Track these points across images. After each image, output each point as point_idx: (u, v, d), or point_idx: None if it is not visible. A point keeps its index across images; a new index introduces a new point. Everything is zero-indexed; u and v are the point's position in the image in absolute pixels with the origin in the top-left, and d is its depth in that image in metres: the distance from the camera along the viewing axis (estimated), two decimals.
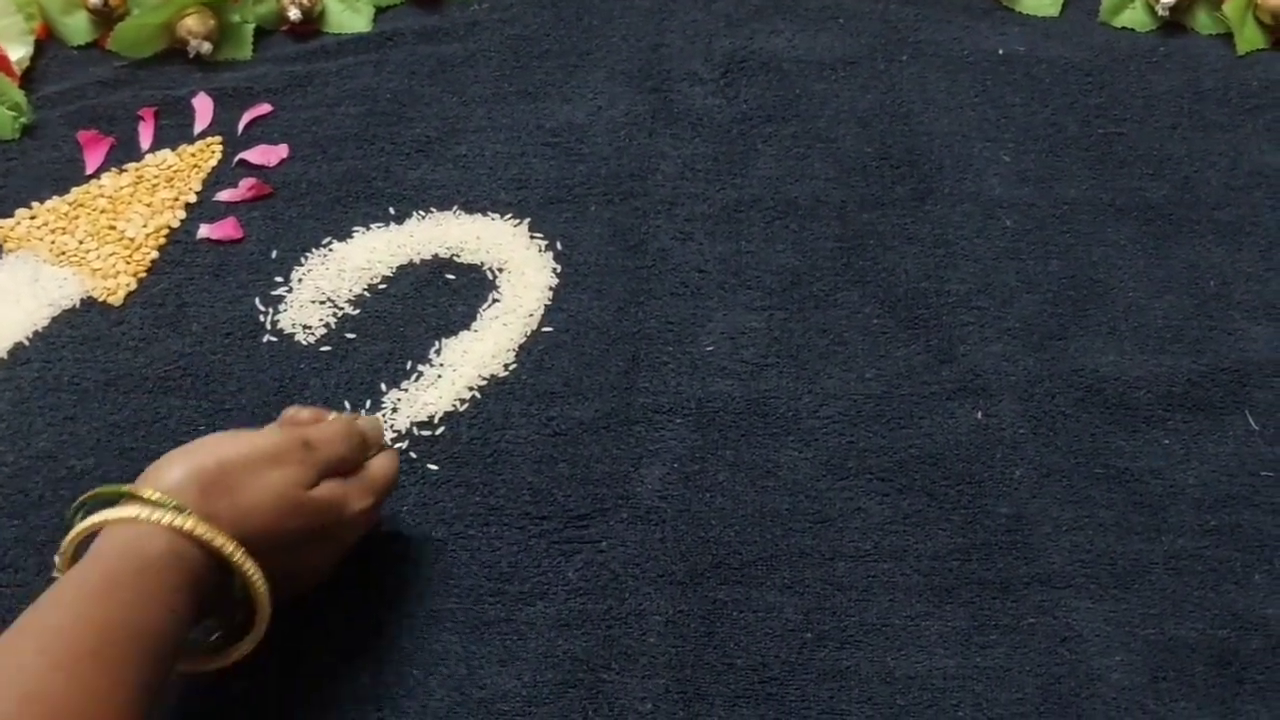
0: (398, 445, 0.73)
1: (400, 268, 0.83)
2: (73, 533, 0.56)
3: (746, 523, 0.69)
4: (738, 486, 0.71)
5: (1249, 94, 0.90)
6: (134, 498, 0.56)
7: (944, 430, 0.73)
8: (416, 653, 0.65)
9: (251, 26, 0.99)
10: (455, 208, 0.86)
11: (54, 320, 0.81)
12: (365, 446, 0.65)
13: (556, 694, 0.63)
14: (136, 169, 0.91)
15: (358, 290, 0.81)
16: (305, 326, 0.79)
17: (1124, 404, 0.73)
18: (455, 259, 0.83)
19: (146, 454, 0.72)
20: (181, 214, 0.87)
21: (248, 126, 0.93)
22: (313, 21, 0.99)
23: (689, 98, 0.92)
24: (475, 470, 0.72)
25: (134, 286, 0.83)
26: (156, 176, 0.90)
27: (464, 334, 0.79)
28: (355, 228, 0.85)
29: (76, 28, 1.00)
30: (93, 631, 0.51)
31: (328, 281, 0.82)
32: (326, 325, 0.79)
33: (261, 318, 0.80)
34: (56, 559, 0.57)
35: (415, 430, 0.74)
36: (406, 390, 0.76)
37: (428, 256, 0.83)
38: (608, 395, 0.75)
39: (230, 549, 0.55)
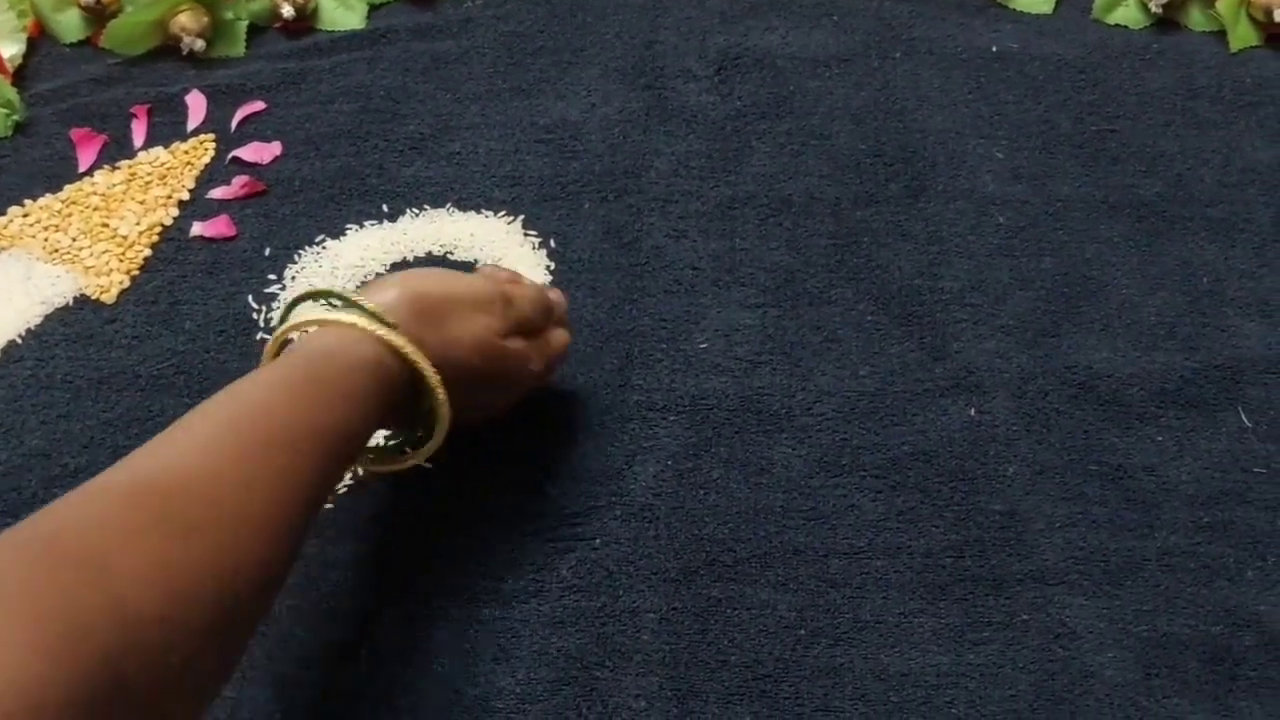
0: (393, 443, 0.73)
1: (394, 265, 0.82)
2: (289, 322, 0.62)
3: (740, 520, 0.70)
4: (731, 483, 0.71)
5: (1242, 91, 0.91)
6: (354, 305, 0.60)
7: (937, 427, 0.73)
8: (411, 650, 0.65)
9: (245, 23, 0.99)
10: (449, 205, 0.86)
11: (47, 318, 0.81)
12: (550, 315, 0.70)
13: (550, 691, 0.63)
14: (129, 166, 0.90)
15: (351, 288, 0.81)
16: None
17: (1117, 401, 0.73)
18: (449, 256, 0.83)
19: None
20: (174, 211, 0.87)
21: (241, 124, 0.93)
22: (306, 18, 0.99)
23: (683, 95, 0.92)
24: (469, 468, 0.72)
25: (127, 284, 0.83)
26: (149, 174, 0.90)
27: None
28: (349, 225, 0.85)
29: (69, 25, 1.00)
30: (277, 421, 0.54)
31: (321, 279, 0.82)
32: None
33: (255, 315, 0.80)
34: (265, 348, 0.63)
35: None
36: None
37: (421, 254, 0.83)
38: (601, 393, 0.75)
39: (430, 373, 0.60)
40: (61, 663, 0.40)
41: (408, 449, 0.66)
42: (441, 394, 0.61)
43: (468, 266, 0.82)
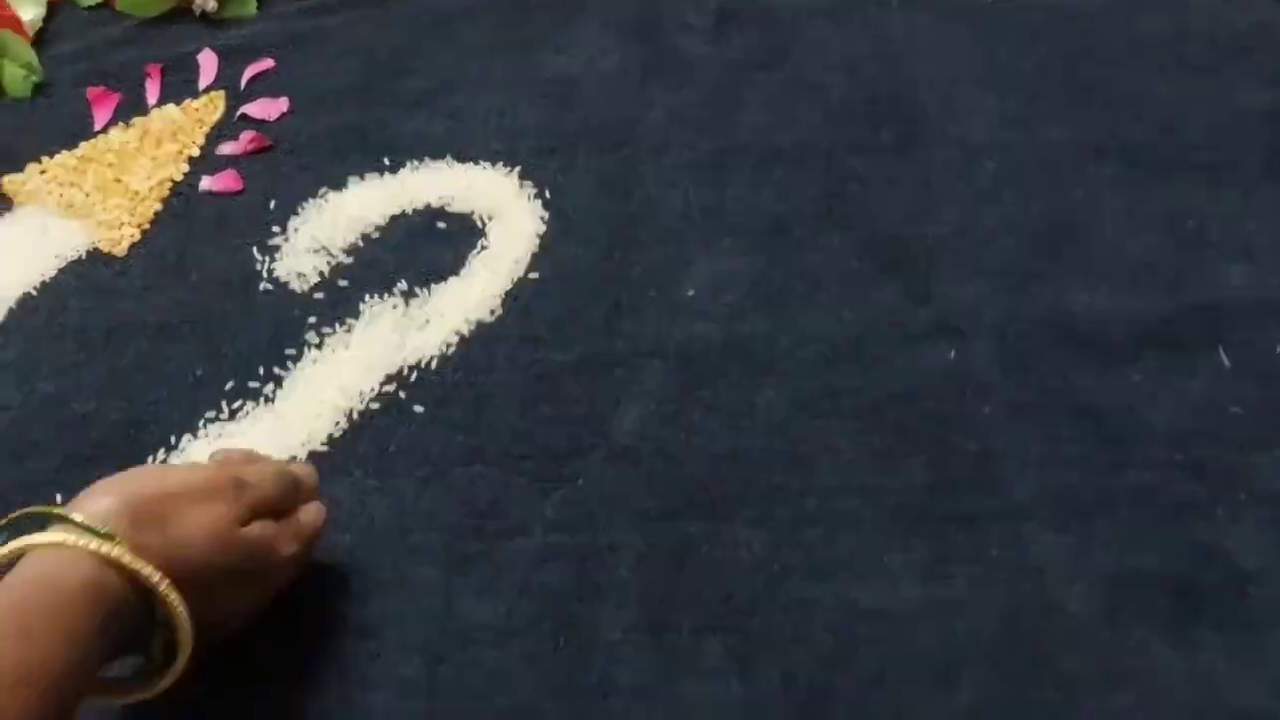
0: (388, 389, 0.75)
1: (393, 217, 0.85)
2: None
3: (720, 461, 0.71)
4: (713, 426, 0.73)
5: (1237, 35, 0.90)
6: (63, 521, 0.54)
7: (917, 370, 0.74)
8: (398, 586, 0.67)
9: None
10: (448, 157, 0.88)
11: (61, 271, 0.84)
12: (297, 491, 0.64)
13: (531, 624, 0.65)
14: (142, 124, 0.93)
15: (351, 239, 0.83)
16: (300, 274, 0.82)
17: (1097, 343, 0.74)
18: (446, 208, 0.85)
19: (147, 398, 0.76)
20: (185, 167, 0.90)
21: (250, 82, 0.95)
22: None
23: (680, 47, 0.94)
24: (459, 411, 0.74)
25: (137, 238, 0.86)
26: (161, 130, 0.93)
27: (453, 280, 0.81)
28: (351, 178, 0.87)
29: None
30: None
31: (323, 231, 0.84)
32: (320, 274, 0.82)
33: (258, 267, 0.83)
34: None
35: (403, 372, 0.76)
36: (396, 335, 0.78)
37: (420, 206, 0.85)
38: (590, 339, 0.77)
39: (157, 579, 0.54)
40: None
41: (148, 677, 0.58)
42: (174, 599, 0.54)
43: (464, 218, 0.84)
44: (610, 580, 0.67)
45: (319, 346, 0.78)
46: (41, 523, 0.55)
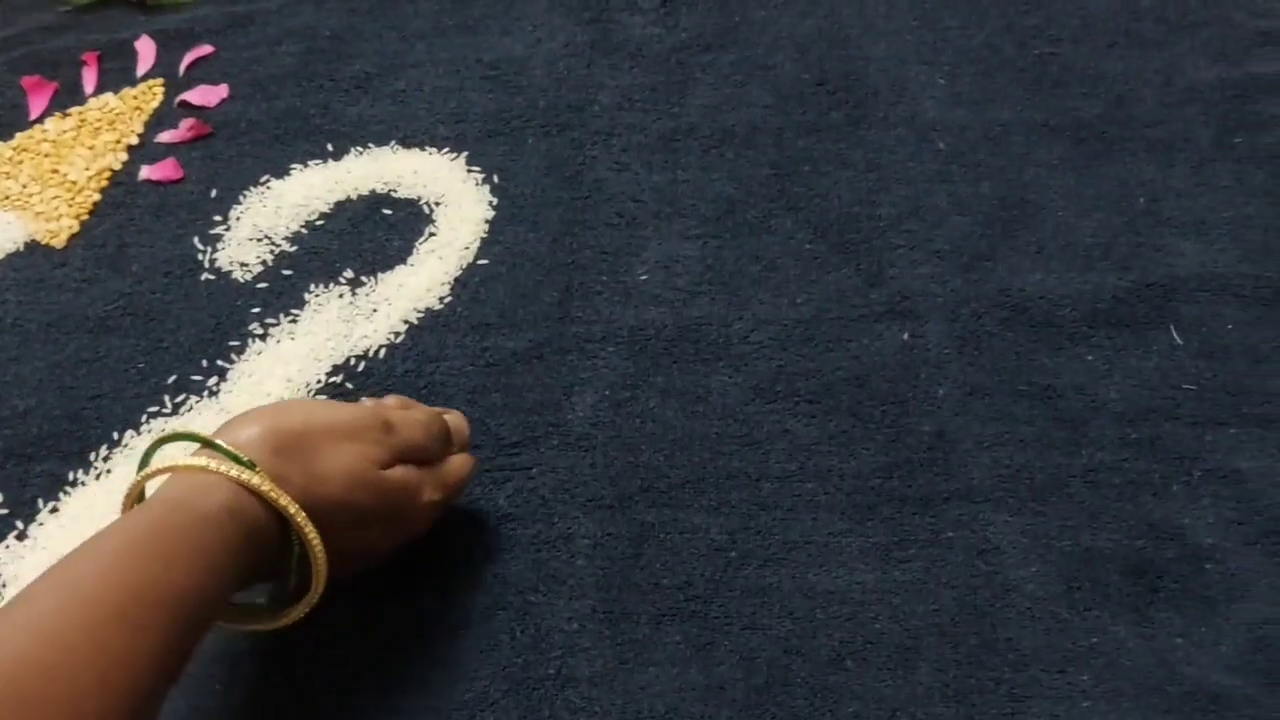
0: (335, 379, 0.74)
1: (337, 204, 0.83)
2: (138, 476, 0.55)
3: (675, 447, 0.70)
4: (668, 412, 0.72)
5: (1187, 10, 0.90)
6: (207, 446, 0.55)
7: (871, 352, 0.74)
8: (351, 582, 0.66)
9: None
10: (393, 143, 0.86)
11: None
12: (446, 442, 0.64)
13: (485, 617, 0.64)
14: (79, 113, 0.91)
15: (295, 227, 0.82)
16: (242, 264, 0.80)
17: (1049, 322, 0.74)
18: (392, 194, 0.84)
19: (87, 392, 0.74)
20: (123, 156, 0.88)
21: (189, 68, 0.93)
22: None
23: (628, 28, 0.93)
24: None
25: (76, 229, 0.84)
26: (99, 119, 0.91)
27: (400, 268, 0.79)
28: (293, 165, 0.86)
29: None
30: (123, 591, 0.49)
31: (265, 219, 0.82)
32: (264, 262, 0.80)
33: (200, 256, 0.81)
34: (122, 500, 0.56)
35: (350, 362, 0.75)
36: (343, 324, 0.77)
37: (365, 192, 0.84)
38: (541, 325, 0.76)
39: (293, 510, 0.54)
40: None
41: (280, 606, 0.58)
42: (310, 532, 0.55)
43: (411, 203, 0.83)
44: (566, 570, 0.66)
45: (263, 337, 0.76)
46: (183, 442, 0.56)
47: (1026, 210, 0.79)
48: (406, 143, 0.86)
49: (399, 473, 0.60)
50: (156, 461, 0.55)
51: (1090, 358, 0.72)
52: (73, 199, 0.85)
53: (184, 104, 0.91)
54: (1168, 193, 0.80)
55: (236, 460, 0.54)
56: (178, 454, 0.56)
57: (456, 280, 0.79)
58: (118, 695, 0.46)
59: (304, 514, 0.54)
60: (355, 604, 0.65)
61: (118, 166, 0.87)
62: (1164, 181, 0.80)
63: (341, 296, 0.78)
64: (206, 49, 0.94)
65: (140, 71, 0.94)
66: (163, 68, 0.94)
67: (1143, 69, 0.87)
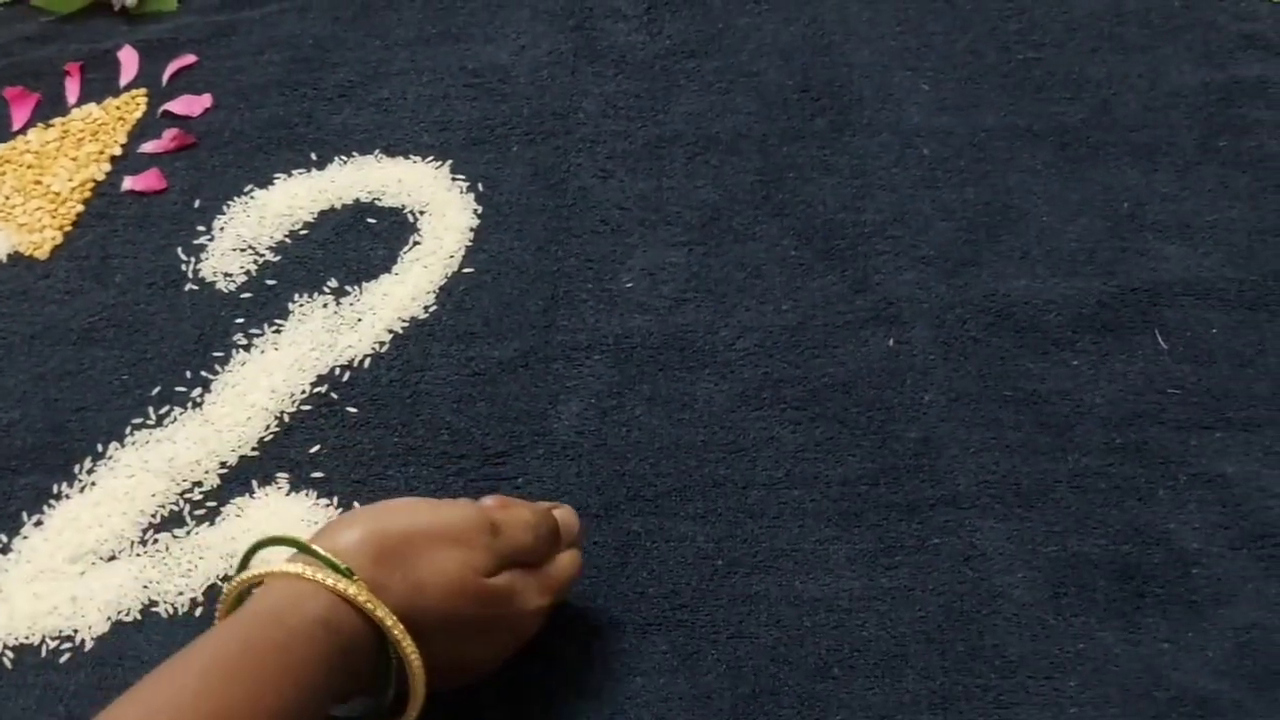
0: (319, 390, 0.74)
1: (321, 213, 0.83)
2: (234, 581, 0.54)
3: (661, 455, 0.70)
4: (654, 420, 0.72)
5: (1170, 14, 0.91)
6: (305, 552, 0.53)
7: (857, 358, 0.74)
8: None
9: None
10: (377, 151, 0.86)
11: None
12: (554, 541, 0.60)
13: None
14: (62, 124, 0.91)
15: (279, 237, 0.82)
16: (226, 274, 0.80)
17: (1034, 327, 0.74)
18: (376, 203, 0.83)
19: (71, 404, 0.74)
20: (107, 167, 0.88)
21: (172, 78, 0.93)
22: None
23: (612, 35, 0.93)
24: (394, 411, 0.73)
25: (60, 240, 0.84)
26: (82, 130, 0.90)
27: (384, 277, 0.79)
28: (277, 174, 0.85)
29: None
30: (222, 711, 0.47)
31: (249, 229, 0.82)
32: (247, 273, 0.80)
33: (184, 267, 0.81)
34: (218, 606, 0.55)
35: (335, 372, 0.75)
36: (327, 335, 0.76)
37: (349, 201, 0.84)
38: (526, 334, 0.76)
39: (390, 623, 0.52)
40: None
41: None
42: (407, 646, 0.52)
43: (395, 212, 0.83)
44: None
45: (247, 348, 0.76)
46: (280, 546, 0.54)
47: (1011, 216, 0.79)
48: (390, 151, 0.86)
49: (504, 579, 0.56)
50: (255, 566, 0.54)
51: (1075, 363, 0.72)
52: (56, 210, 0.85)
53: (167, 114, 0.90)
54: (1152, 197, 0.80)
55: (334, 568, 0.52)
56: (274, 558, 0.55)
57: (441, 289, 0.78)
58: None
59: (401, 626, 0.52)
60: None
61: (101, 177, 0.87)
62: (1148, 186, 0.81)
63: (326, 306, 0.78)
64: (189, 58, 0.94)
65: (123, 81, 0.93)
66: (146, 78, 0.93)
67: (1126, 73, 0.87)
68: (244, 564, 0.56)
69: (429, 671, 0.54)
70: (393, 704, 0.55)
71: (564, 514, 0.62)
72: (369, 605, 0.51)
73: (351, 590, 0.51)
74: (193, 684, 0.48)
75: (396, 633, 0.52)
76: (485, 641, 0.57)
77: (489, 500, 0.60)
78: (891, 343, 0.74)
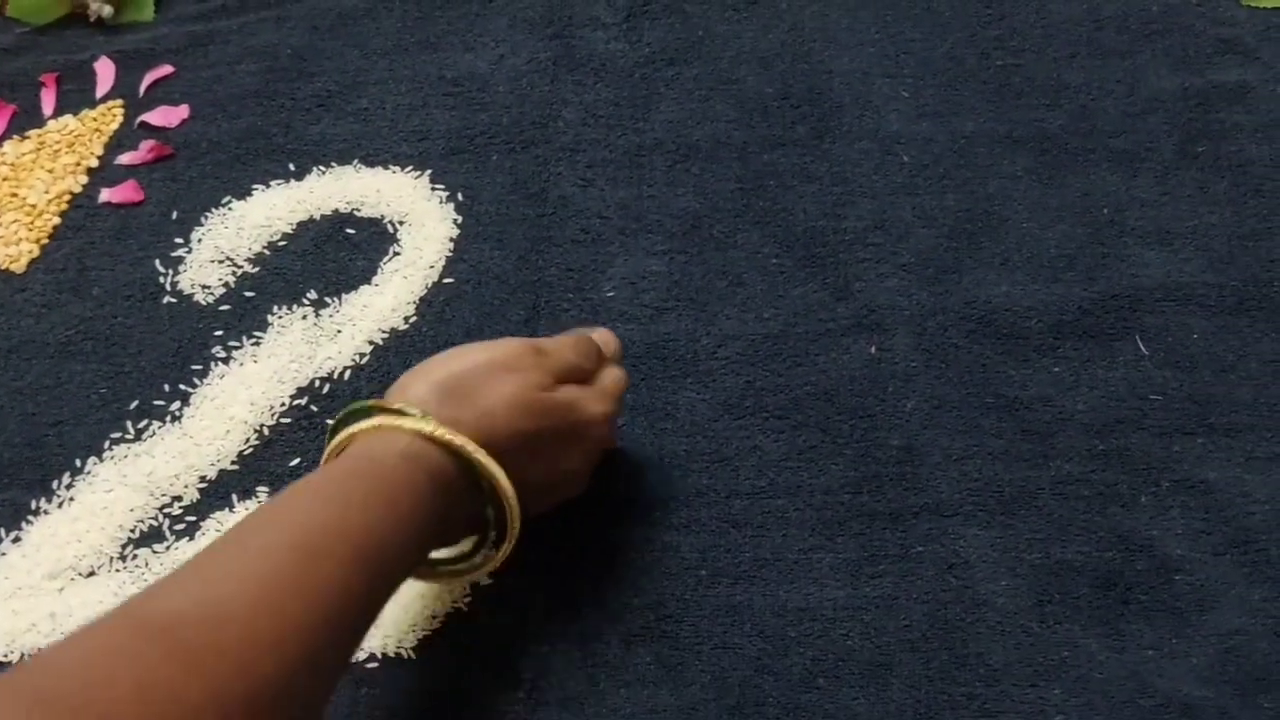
0: (299, 402, 0.73)
1: (300, 224, 0.83)
2: (325, 453, 0.58)
3: (644, 465, 0.70)
4: (635, 430, 0.72)
5: (1149, 19, 0.91)
6: (380, 409, 0.57)
7: (839, 366, 0.73)
8: None
9: None
10: (356, 161, 0.86)
11: None
12: (598, 357, 0.65)
13: (455, 640, 0.64)
14: (38, 135, 0.90)
15: (257, 248, 0.81)
16: (204, 286, 0.79)
17: (1015, 334, 0.74)
18: (355, 213, 0.83)
19: (49, 419, 0.73)
20: (83, 179, 0.87)
21: (149, 88, 0.93)
22: None
23: (591, 43, 0.92)
24: None
25: (36, 253, 0.83)
26: (58, 142, 0.90)
27: (364, 288, 0.79)
28: (255, 185, 0.85)
29: None
30: (312, 525, 0.50)
31: (227, 241, 0.82)
32: (226, 284, 0.79)
33: (161, 279, 0.80)
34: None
35: (315, 385, 0.74)
36: (307, 347, 0.76)
37: (328, 212, 0.83)
38: None
39: (471, 447, 0.56)
40: None
41: (489, 548, 0.61)
42: (492, 467, 0.56)
43: (374, 223, 0.82)
44: (537, 592, 0.65)
45: (226, 361, 0.76)
46: (362, 415, 0.57)
47: (991, 222, 0.79)
48: (369, 161, 0.86)
49: (563, 393, 0.61)
50: (339, 434, 0.57)
51: (1057, 369, 0.72)
52: (32, 223, 0.84)
53: (144, 125, 0.90)
54: (1132, 203, 0.80)
55: (408, 414, 0.56)
56: (353, 425, 0.57)
57: (422, 300, 0.78)
58: (282, 633, 0.46)
59: (482, 451, 0.56)
60: None
61: (78, 189, 0.86)
62: (1128, 191, 0.81)
63: (305, 318, 0.77)
64: (166, 69, 0.93)
65: (100, 93, 0.93)
66: (122, 88, 0.93)
67: (1105, 79, 0.87)
68: (329, 438, 0.59)
69: (520, 489, 0.58)
70: (496, 534, 0.60)
71: (602, 335, 0.67)
72: (446, 436, 0.55)
73: (429, 426, 0.55)
74: (282, 505, 0.51)
75: (479, 456, 0.56)
76: (562, 452, 0.62)
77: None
78: (873, 350, 0.74)
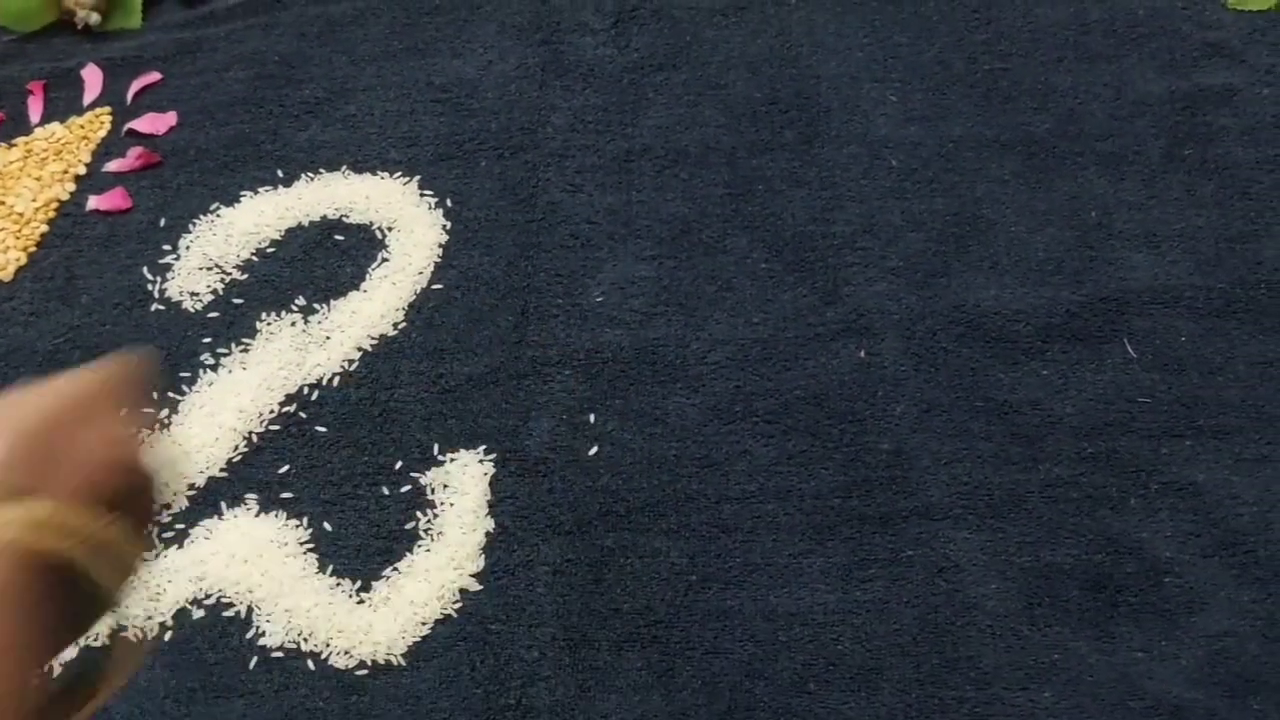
0: (288, 409, 0.73)
1: (289, 230, 0.82)
2: None
3: (634, 470, 0.70)
4: (626, 435, 0.71)
5: (1134, 23, 0.91)
6: None
7: (828, 370, 0.73)
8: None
9: None
10: (344, 168, 0.86)
11: None
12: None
13: (445, 647, 0.64)
14: (25, 143, 0.90)
15: (245, 255, 0.81)
16: (193, 293, 0.79)
17: (1004, 337, 0.74)
18: (344, 219, 0.83)
19: None
20: (71, 186, 0.87)
21: (137, 95, 0.92)
22: None
23: (580, 49, 0.92)
24: (364, 430, 0.72)
25: (24, 261, 0.83)
26: (45, 150, 0.89)
27: (353, 294, 0.79)
28: (243, 192, 0.85)
29: None
30: None
31: (215, 248, 0.81)
32: (214, 291, 0.79)
33: (150, 287, 0.80)
34: None
35: (304, 391, 0.74)
36: (296, 354, 0.76)
37: (316, 218, 0.83)
38: (497, 350, 0.75)
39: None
40: None
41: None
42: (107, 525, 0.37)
43: (363, 229, 0.82)
44: (526, 597, 0.65)
45: (215, 368, 0.75)
46: None
47: (979, 226, 0.80)
48: (358, 167, 0.86)
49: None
50: None
51: (1045, 372, 0.72)
52: (20, 231, 0.84)
53: (132, 132, 0.90)
54: (1119, 206, 0.80)
55: None
56: None
57: (410, 306, 0.78)
58: None
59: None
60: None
61: (65, 197, 0.86)
62: (1115, 195, 0.81)
63: (294, 324, 0.77)
64: (154, 76, 0.93)
65: (87, 100, 0.93)
66: (110, 96, 0.93)
67: (1092, 82, 0.87)
68: None
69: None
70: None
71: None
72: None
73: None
74: None
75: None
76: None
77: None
78: (863, 354, 0.74)
